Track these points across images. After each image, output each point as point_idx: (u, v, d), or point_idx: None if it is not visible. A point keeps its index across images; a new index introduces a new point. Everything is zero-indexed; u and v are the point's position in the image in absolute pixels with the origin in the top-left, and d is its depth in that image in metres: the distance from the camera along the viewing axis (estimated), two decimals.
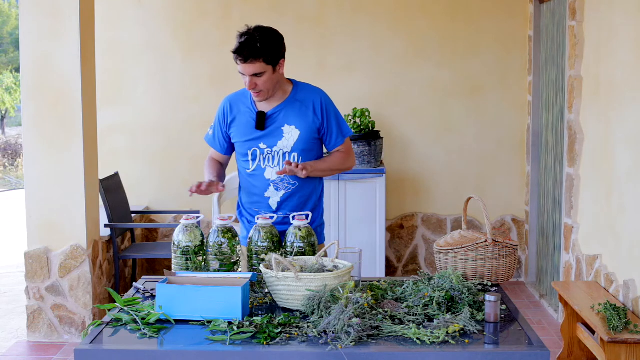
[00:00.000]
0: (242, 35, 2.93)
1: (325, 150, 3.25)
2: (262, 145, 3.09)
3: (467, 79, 5.88)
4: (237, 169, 3.24)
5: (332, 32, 5.86)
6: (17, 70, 19.30)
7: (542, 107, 5.55)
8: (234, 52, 2.92)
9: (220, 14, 5.87)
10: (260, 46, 2.90)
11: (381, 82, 5.89)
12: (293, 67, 5.96)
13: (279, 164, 3.08)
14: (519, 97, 5.87)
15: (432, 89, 5.90)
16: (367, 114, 5.44)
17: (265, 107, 3.08)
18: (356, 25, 5.86)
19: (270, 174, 3.10)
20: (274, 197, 3.11)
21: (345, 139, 3.18)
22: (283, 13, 5.85)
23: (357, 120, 5.43)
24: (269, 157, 3.09)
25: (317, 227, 3.20)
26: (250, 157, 3.11)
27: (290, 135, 3.07)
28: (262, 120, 3.04)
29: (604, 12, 4.25)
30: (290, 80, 3.14)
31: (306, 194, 3.15)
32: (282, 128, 3.07)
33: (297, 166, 2.94)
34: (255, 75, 2.94)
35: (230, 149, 3.22)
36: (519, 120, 5.88)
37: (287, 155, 3.08)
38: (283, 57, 3.00)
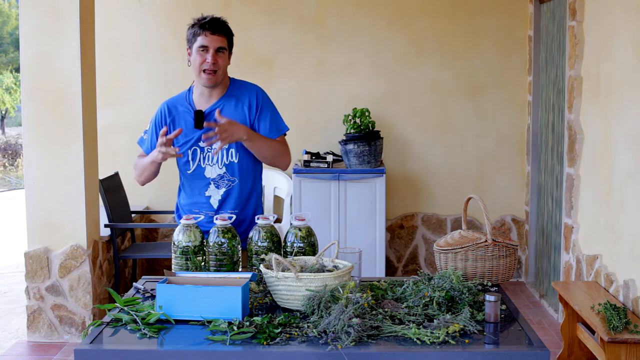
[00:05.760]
0: (205, 16, 3.09)
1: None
2: (201, 144, 3.13)
3: (467, 79, 5.88)
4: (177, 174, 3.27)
5: (332, 32, 5.86)
6: (17, 70, 19.30)
7: (542, 107, 5.55)
8: (203, 26, 3.04)
9: (220, 14, 5.77)
10: (226, 26, 3.12)
11: (381, 82, 5.89)
12: (293, 67, 6.00)
13: (218, 161, 3.13)
14: (519, 97, 5.87)
15: (432, 89, 5.90)
16: (367, 114, 5.44)
17: (203, 105, 3.13)
18: (356, 25, 5.85)
19: (211, 172, 3.14)
20: (215, 195, 3.15)
21: (279, 136, 3.18)
22: (283, 13, 5.85)
23: (357, 120, 5.42)
24: (208, 156, 3.14)
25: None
26: (190, 157, 3.16)
27: None
28: (200, 119, 3.05)
29: (604, 12, 4.25)
30: (229, 78, 3.20)
31: (246, 192, 3.17)
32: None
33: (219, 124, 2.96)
34: (219, 50, 3.05)
35: None
36: (518, 120, 5.88)
37: (225, 151, 3.12)
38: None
